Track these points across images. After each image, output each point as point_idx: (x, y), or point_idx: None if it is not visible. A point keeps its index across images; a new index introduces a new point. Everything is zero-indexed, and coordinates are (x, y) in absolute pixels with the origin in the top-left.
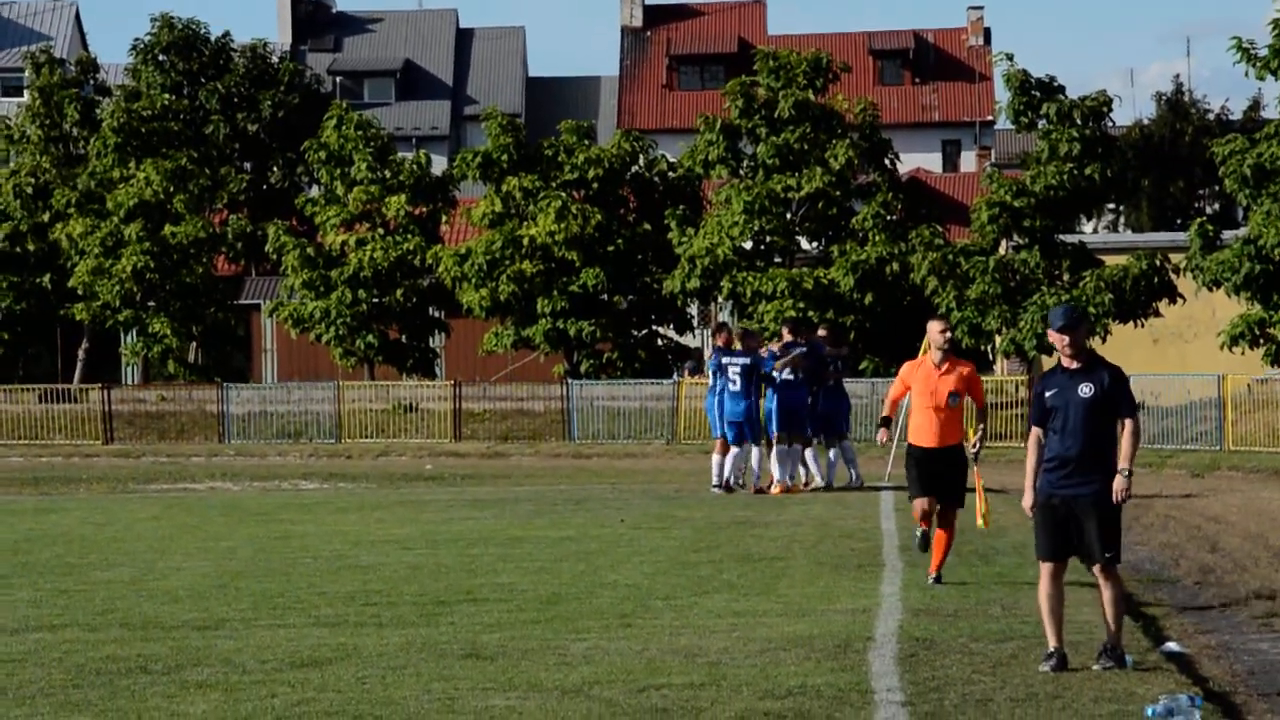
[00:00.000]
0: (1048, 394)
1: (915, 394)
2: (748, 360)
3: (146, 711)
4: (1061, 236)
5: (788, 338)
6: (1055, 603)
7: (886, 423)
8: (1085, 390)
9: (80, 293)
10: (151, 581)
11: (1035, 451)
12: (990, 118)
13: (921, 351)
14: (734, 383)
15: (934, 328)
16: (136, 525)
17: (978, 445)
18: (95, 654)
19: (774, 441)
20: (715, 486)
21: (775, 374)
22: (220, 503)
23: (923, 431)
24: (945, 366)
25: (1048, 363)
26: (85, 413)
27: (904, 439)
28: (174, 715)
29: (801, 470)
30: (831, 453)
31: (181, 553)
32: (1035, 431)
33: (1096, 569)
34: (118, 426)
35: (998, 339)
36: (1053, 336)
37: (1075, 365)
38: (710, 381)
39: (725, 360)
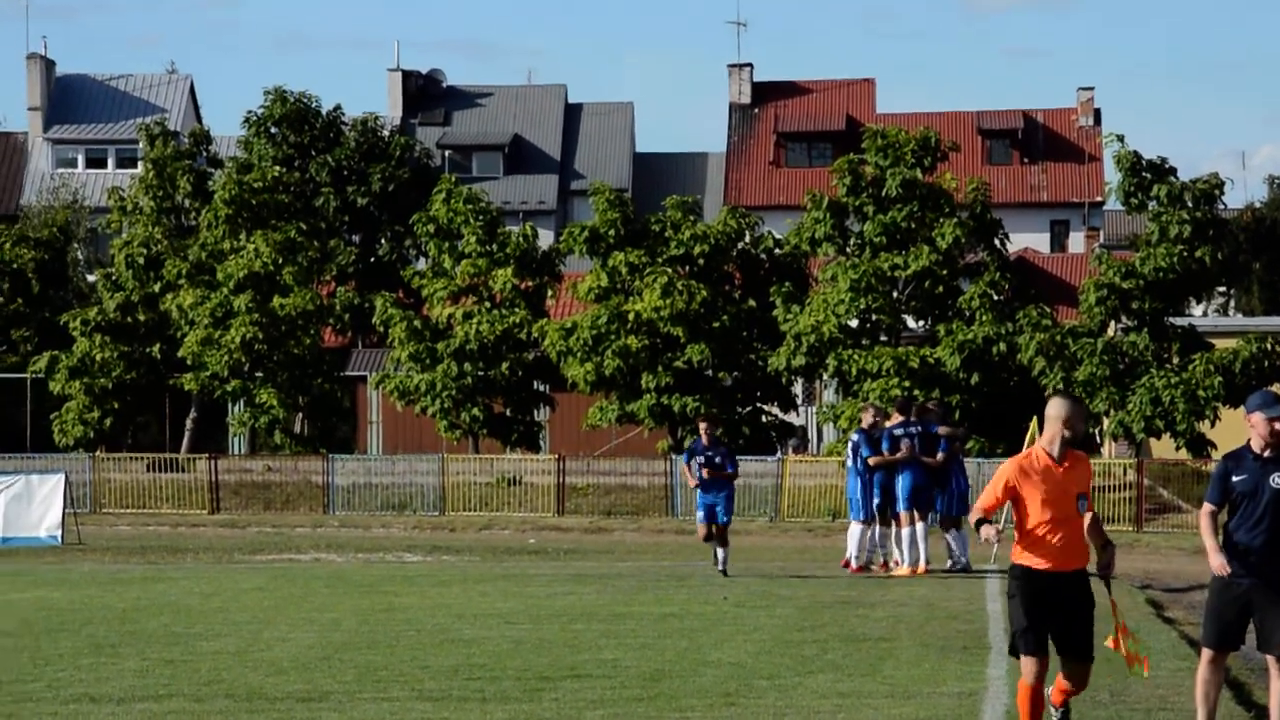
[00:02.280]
0: (1236, 478)
1: (1031, 501)
2: (856, 439)
3: None
4: (1171, 319)
5: (898, 418)
6: (1213, 688)
7: (984, 521)
8: (1277, 480)
9: (189, 363)
10: (257, 652)
11: (1212, 523)
12: (1099, 199)
13: (1027, 441)
14: (849, 458)
15: (1060, 409)
16: (242, 595)
17: (1109, 563)
18: None
19: (900, 521)
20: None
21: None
22: (325, 574)
23: (1041, 549)
24: (1068, 462)
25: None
26: (192, 482)
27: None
28: None
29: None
30: (949, 534)
31: (286, 623)
32: (1209, 507)
33: (1273, 660)
34: (224, 496)
35: (1106, 421)
36: (1256, 420)
37: (1270, 453)
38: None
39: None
